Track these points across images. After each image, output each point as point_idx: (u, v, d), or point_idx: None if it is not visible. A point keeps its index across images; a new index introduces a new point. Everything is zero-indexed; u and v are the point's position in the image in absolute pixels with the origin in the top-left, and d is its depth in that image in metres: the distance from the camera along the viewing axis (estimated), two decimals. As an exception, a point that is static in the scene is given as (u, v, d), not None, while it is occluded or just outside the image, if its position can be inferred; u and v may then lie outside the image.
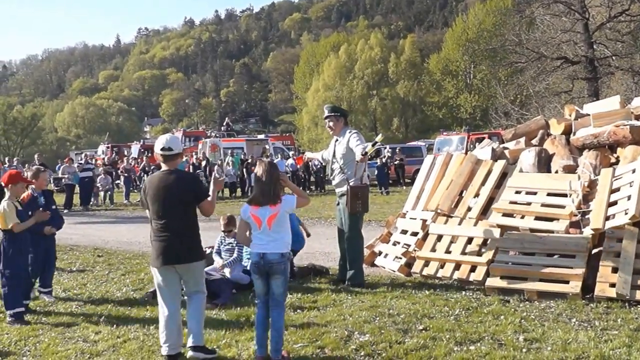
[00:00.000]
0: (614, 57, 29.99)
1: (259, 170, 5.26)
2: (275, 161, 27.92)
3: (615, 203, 7.30)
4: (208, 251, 8.68)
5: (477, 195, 8.52)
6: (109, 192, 24.07)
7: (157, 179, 5.25)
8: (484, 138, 19.78)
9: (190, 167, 26.07)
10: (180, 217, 5.16)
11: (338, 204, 8.07)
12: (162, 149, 5.24)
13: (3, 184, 6.92)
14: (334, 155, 7.99)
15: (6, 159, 25.97)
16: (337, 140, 7.99)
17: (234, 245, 8.02)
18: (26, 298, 7.02)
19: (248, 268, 8.02)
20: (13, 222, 6.59)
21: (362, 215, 7.88)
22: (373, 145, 7.44)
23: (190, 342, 5.19)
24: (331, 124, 7.98)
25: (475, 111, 57.09)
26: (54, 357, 5.40)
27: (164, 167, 5.31)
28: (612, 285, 6.54)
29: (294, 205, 5.39)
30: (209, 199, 5.29)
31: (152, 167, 24.76)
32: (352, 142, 7.65)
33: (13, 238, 6.66)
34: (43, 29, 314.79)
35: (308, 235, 9.00)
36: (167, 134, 5.44)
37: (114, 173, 26.64)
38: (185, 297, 5.34)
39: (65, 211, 21.02)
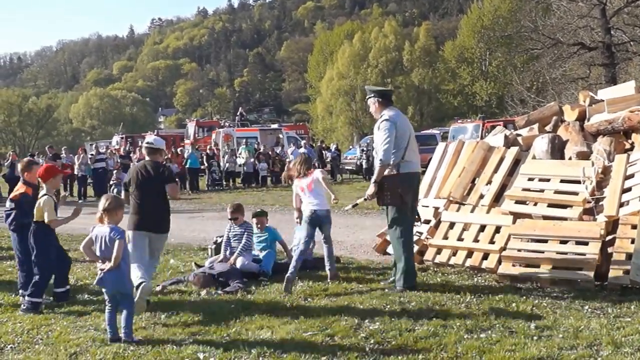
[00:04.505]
0: (631, 43, 29.58)
1: (298, 159, 7.89)
2: (289, 150, 28.23)
3: (629, 189, 7.21)
4: (219, 240, 8.74)
5: (489, 182, 8.45)
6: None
7: (137, 167, 7.02)
8: (499, 125, 19.61)
9: (204, 157, 26.10)
10: (152, 196, 6.67)
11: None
12: (146, 143, 7.01)
13: (40, 179, 6.91)
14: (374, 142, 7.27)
15: (10, 153, 26.04)
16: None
17: (243, 232, 8.04)
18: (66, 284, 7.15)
19: (260, 257, 8.08)
20: (51, 218, 6.62)
21: (405, 210, 6.98)
22: (354, 207, 7.78)
23: (137, 282, 6.11)
24: (369, 108, 7.30)
25: (491, 99, 56.66)
26: (66, 345, 5.42)
27: (146, 157, 6.95)
28: (626, 272, 6.47)
29: (320, 176, 7.56)
30: (173, 184, 6.92)
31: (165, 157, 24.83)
32: (376, 140, 7.00)
33: (46, 229, 6.71)
34: (57, 20, 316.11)
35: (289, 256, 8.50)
36: (151, 136, 7.32)
37: (130, 165, 26.68)
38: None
39: (80, 202, 21.19)
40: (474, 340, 5.09)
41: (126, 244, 5.67)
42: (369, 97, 7.23)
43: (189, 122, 41.10)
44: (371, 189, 6.96)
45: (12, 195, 7.17)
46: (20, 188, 7.03)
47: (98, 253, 5.52)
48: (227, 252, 8.12)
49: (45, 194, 6.72)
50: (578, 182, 7.63)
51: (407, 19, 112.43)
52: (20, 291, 7.08)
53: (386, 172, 6.90)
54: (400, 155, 6.90)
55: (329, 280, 7.42)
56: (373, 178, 7.00)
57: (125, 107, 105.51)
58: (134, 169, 7.03)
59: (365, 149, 27.91)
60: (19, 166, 7.46)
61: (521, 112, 31.77)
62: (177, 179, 7.42)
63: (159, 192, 6.70)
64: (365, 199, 7.24)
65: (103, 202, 5.57)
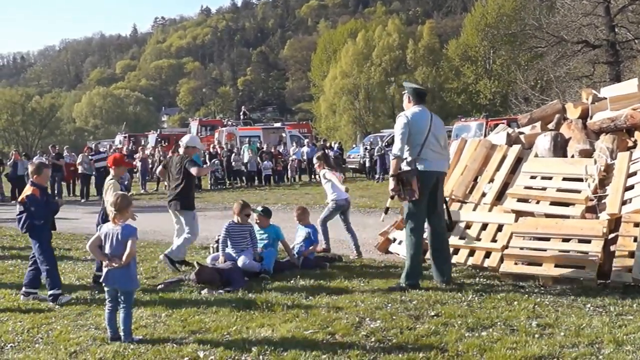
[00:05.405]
0: (636, 41, 29.51)
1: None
2: (291, 149, 28.27)
3: (632, 187, 7.19)
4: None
5: (491, 180, 8.42)
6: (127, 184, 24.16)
7: (172, 159, 9.04)
8: (502, 124, 19.53)
9: (207, 155, 26.07)
10: (181, 182, 8.56)
11: None
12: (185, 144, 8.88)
13: (109, 166, 8.18)
14: None
15: (12, 152, 25.97)
16: None
17: (246, 230, 8.03)
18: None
19: (262, 254, 8.05)
20: None
21: (421, 206, 6.89)
22: (386, 212, 7.41)
23: (166, 252, 8.48)
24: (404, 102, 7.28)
25: (495, 97, 56.51)
26: (66, 344, 5.40)
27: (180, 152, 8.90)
28: (629, 270, 6.44)
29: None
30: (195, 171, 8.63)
31: (167, 156, 24.78)
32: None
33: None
34: (60, 20, 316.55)
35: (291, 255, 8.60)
36: (188, 134, 9.33)
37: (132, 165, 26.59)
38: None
39: (83, 201, 21.22)
40: (475, 338, 5.06)
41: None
42: (404, 92, 7.30)
43: (192, 121, 41.19)
44: (390, 183, 6.92)
45: (20, 198, 7.20)
46: (27, 190, 7.04)
47: (107, 251, 5.50)
48: (230, 251, 8.09)
49: (112, 178, 7.76)
50: (580, 180, 7.60)
51: (410, 17, 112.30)
52: (23, 289, 7.10)
53: (403, 168, 6.84)
54: (415, 153, 6.83)
55: (354, 258, 8.87)
56: (390, 172, 7.05)
57: (128, 106, 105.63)
58: (170, 161, 9.11)
59: (368, 147, 27.91)
60: (30, 168, 7.43)
61: (525, 111, 31.63)
62: (198, 164, 8.92)
63: (182, 179, 8.55)
64: (391, 197, 7.08)
65: (113, 201, 5.58)
